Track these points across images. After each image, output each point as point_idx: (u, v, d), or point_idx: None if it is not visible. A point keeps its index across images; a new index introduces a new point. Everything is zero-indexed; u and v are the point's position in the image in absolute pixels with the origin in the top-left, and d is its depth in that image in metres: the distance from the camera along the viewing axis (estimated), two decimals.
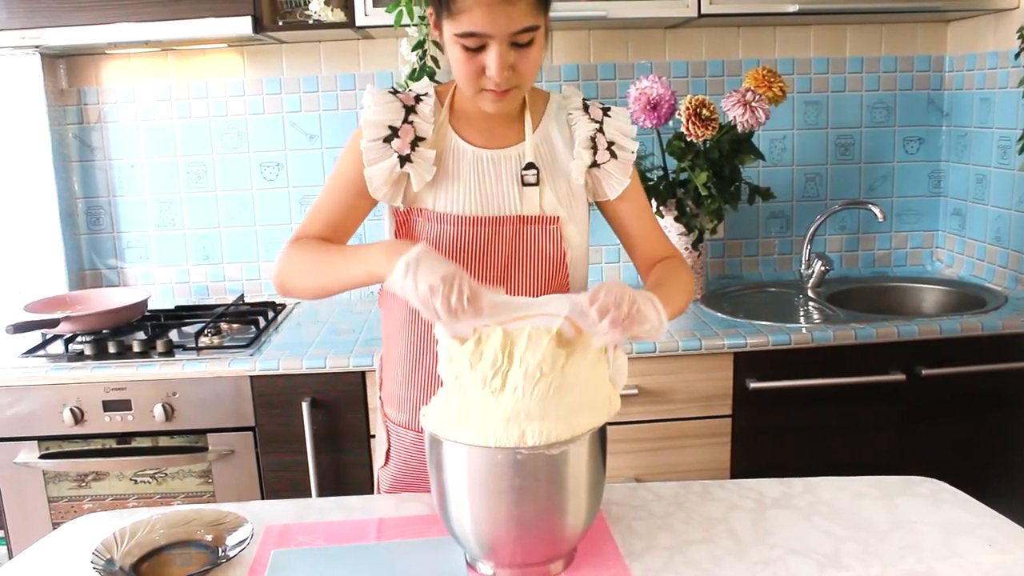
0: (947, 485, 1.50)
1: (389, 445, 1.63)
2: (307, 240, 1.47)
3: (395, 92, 1.52)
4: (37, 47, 2.52)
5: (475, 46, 1.33)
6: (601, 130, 1.52)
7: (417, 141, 1.46)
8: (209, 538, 1.34)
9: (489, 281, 1.42)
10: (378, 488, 1.70)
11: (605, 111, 1.54)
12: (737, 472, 2.32)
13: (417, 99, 1.50)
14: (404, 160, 1.45)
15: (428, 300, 1.18)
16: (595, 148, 1.51)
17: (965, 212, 2.88)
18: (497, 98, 1.39)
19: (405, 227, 1.50)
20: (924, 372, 2.30)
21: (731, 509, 1.42)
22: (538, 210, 1.48)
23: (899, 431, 2.36)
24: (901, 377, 2.29)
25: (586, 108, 1.54)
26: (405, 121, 1.47)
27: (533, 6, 1.32)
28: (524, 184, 1.48)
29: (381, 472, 1.68)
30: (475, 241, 1.46)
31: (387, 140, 1.46)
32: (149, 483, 2.28)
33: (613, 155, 1.51)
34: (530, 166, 1.49)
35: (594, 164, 1.51)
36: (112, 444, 2.27)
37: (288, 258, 1.46)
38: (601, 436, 1.21)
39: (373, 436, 2.24)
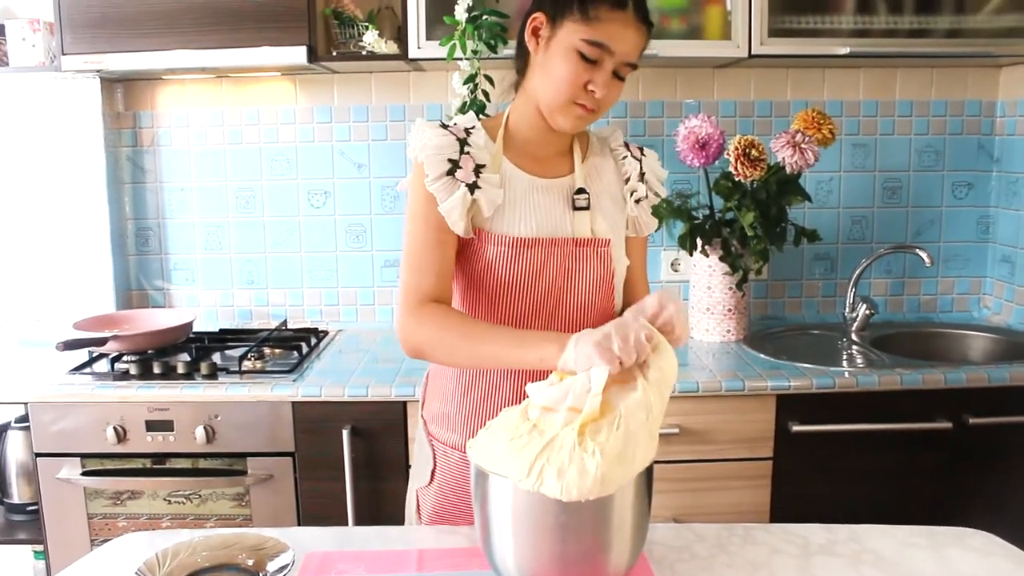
0: (998, 538, 1.47)
1: (435, 465, 1.62)
2: (442, 309, 1.46)
3: (444, 126, 1.54)
4: (98, 71, 2.58)
5: (593, 57, 1.40)
6: (644, 169, 1.63)
7: (479, 168, 1.49)
8: (250, 562, 1.34)
9: (540, 300, 1.50)
10: (417, 508, 1.68)
11: (640, 150, 1.66)
12: (776, 515, 2.29)
13: (467, 131, 1.53)
14: (472, 187, 1.48)
15: (604, 343, 1.20)
16: (645, 183, 1.63)
17: (1014, 259, 2.83)
18: (585, 114, 1.46)
19: (465, 252, 1.52)
20: (971, 421, 2.25)
21: (774, 553, 1.40)
22: (589, 233, 1.53)
23: (944, 480, 2.31)
24: (948, 425, 2.25)
25: (627, 146, 1.65)
26: (462, 152, 1.49)
27: (643, 49, 1.45)
28: (575, 208, 1.54)
29: (421, 492, 1.66)
30: (531, 263, 1.50)
31: (450, 173, 1.48)
32: (184, 504, 2.29)
33: (655, 194, 1.65)
34: (581, 191, 1.55)
35: (642, 198, 1.63)
36: (148, 464, 2.29)
37: (428, 328, 1.44)
38: (648, 475, 1.20)
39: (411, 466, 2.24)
